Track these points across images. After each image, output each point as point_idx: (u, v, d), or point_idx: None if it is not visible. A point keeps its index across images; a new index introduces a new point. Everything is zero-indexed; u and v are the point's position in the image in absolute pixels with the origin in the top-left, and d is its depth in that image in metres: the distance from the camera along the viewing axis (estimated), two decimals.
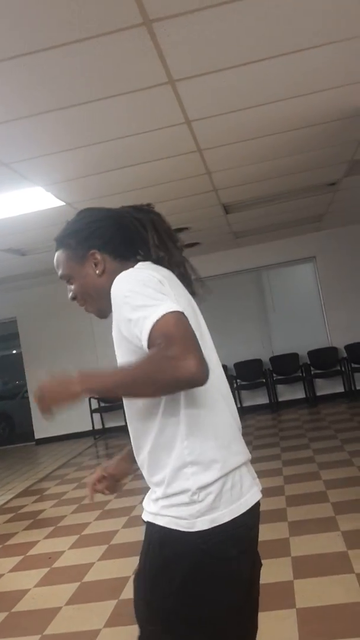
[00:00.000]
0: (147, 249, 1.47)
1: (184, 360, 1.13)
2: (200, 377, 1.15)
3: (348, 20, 2.68)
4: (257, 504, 1.41)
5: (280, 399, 8.88)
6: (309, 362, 8.77)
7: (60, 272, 1.54)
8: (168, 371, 1.14)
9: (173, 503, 1.30)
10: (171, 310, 1.20)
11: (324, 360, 8.73)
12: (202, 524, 1.27)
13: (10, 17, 2.20)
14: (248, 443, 6.62)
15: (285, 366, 8.82)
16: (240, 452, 1.41)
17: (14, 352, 11.12)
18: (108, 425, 9.24)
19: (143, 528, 1.38)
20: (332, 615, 2.61)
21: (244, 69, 2.98)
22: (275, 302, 9.19)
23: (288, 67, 3.04)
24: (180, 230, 6.81)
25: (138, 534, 4.12)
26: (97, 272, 1.46)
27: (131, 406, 1.42)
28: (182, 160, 4.33)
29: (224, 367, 8.91)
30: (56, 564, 3.88)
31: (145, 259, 1.47)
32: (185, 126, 3.64)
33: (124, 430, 7.64)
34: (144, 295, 1.25)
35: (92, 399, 9.08)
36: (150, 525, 1.35)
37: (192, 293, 1.51)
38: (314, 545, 3.43)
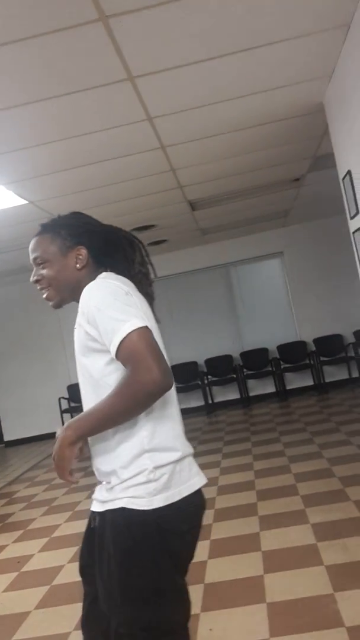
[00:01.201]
0: (126, 265, 1.62)
1: (151, 375, 1.31)
2: (167, 385, 1.35)
3: (305, 17, 2.70)
4: (201, 491, 1.54)
5: (251, 394, 8.94)
6: (278, 357, 8.84)
7: (35, 254, 1.63)
8: (140, 392, 1.33)
9: (130, 485, 1.42)
10: (137, 327, 1.35)
11: (293, 354, 8.81)
12: (158, 502, 1.40)
13: None
14: (219, 439, 6.66)
15: (255, 361, 8.88)
16: (188, 444, 1.56)
17: None
18: None
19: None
20: (302, 609, 2.63)
21: (203, 66, 2.97)
22: (244, 298, 9.23)
23: (247, 63, 3.05)
24: (147, 227, 6.79)
25: None
26: (78, 265, 1.58)
27: (88, 396, 1.55)
28: (146, 157, 4.31)
29: (194, 363, 8.94)
30: (25, 568, 3.83)
31: (118, 272, 1.59)
32: (147, 123, 3.62)
33: None
34: (114, 308, 1.39)
35: (62, 399, 9.00)
36: (109, 513, 1.44)
37: (150, 298, 1.70)
38: (284, 538, 3.46)
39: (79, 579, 1.66)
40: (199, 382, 8.87)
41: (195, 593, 2.93)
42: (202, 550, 3.48)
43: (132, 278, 1.60)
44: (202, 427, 7.74)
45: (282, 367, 8.78)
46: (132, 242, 1.66)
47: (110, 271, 1.57)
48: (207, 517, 4.01)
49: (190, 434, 7.29)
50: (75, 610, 2.96)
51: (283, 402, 8.38)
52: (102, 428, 1.42)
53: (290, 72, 3.29)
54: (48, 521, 4.76)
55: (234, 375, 8.85)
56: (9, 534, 4.68)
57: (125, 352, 1.35)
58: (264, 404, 8.53)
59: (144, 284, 1.64)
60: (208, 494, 4.73)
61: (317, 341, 8.75)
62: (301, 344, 8.84)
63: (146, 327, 1.37)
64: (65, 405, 9.05)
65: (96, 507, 1.49)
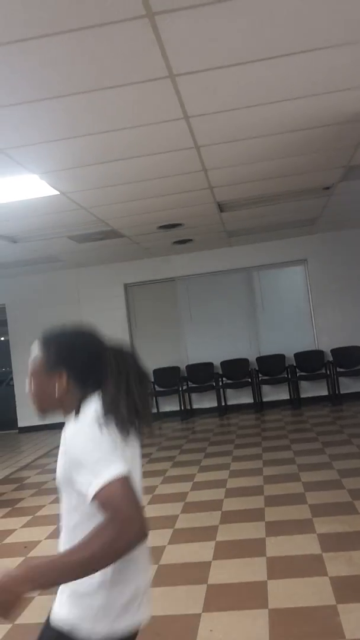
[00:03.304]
0: (96, 388, 1.51)
1: (127, 531, 1.25)
2: (142, 538, 1.29)
3: (351, 24, 2.68)
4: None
5: (264, 399, 8.91)
6: (294, 364, 8.80)
7: (30, 359, 1.62)
8: (117, 543, 1.25)
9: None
10: (116, 477, 1.29)
11: (310, 362, 8.77)
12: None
13: (12, 1, 2.18)
14: (230, 441, 6.66)
15: (271, 367, 8.85)
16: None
17: (1, 338, 11.06)
18: None
19: None
20: (304, 618, 2.62)
21: (245, 68, 2.97)
22: (264, 303, 9.21)
23: (290, 68, 3.04)
24: (174, 226, 6.80)
25: None
26: (56, 389, 1.52)
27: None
28: (179, 156, 4.32)
29: (210, 364, 8.94)
30: (31, 553, 3.88)
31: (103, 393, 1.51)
32: (184, 122, 3.63)
33: None
34: (97, 452, 1.34)
35: None
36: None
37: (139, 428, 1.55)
38: (289, 546, 3.45)
39: None
40: (214, 384, 8.87)
41: (198, 593, 2.95)
42: (207, 551, 3.49)
43: (117, 404, 1.50)
44: (213, 428, 7.74)
45: (297, 375, 8.74)
46: (120, 365, 1.52)
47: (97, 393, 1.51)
48: (214, 518, 4.04)
49: (202, 434, 7.34)
50: None
51: (296, 410, 8.34)
52: (68, 580, 1.35)
53: (332, 79, 3.27)
54: (56, 509, 4.78)
55: (249, 380, 8.83)
56: (18, 518, 4.73)
57: (102, 500, 1.29)
58: (277, 410, 8.50)
59: (137, 409, 1.52)
60: (216, 495, 4.77)
61: (334, 352, 8.69)
62: (319, 353, 8.79)
63: (127, 478, 1.31)
64: None
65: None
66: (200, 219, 6.65)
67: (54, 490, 5.39)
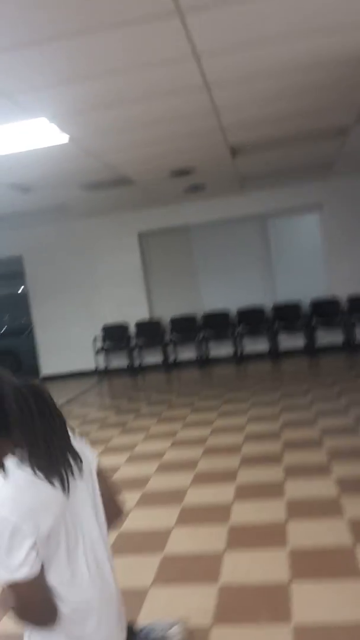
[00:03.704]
0: (12, 434, 1.44)
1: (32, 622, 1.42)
2: (43, 620, 1.43)
3: None
4: None
5: (280, 347, 8.94)
6: (310, 312, 8.77)
7: None
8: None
9: None
10: (12, 580, 1.34)
11: (326, 310, 8.72)
12: None
13: None
14: (247, 388, 6.73)
15: (287, 315, 8.83)
16: None
17: (20, 290, 11.14)
18: (112, 365, 9.37)
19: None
20: (323, 557, 2.72)
21: (257, 2, 2.83)
22: (279, 251, 9.10)
23: (305, 1, 2.90)
24: (186, 172, 6.68)
25: (141, 470, 4.25)
26: None
27: None
28: (190, 97, 4.19)
29: (226, 313, 8.93)
30: None
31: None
32: (194, 60, 3.50)
33: (127, 370, 7.81)
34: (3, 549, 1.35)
35: (96, 339, 9.17)
36: None
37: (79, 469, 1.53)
38: (307, 489, 3.54)
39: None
40: (230, 332, 8.91)
41: (219, 533, 3.06)
42: (227, 493, 3.60)
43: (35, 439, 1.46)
44: (231, 376, 7.84)
45: (313, 322, 8.73)
46: (16, 413, 1.44)
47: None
48: (233, 462, 4.15)
49: (220, 382, 7.43)
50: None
51: (312, 358, 8.38)
52: None
53: (351, 13, 3.12)
54: None
55: (265, 328, 8.85)
56: None
57: (10, 591, 1.38)
58: (293, 358, 8.54)
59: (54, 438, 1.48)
60: (235, 440, 4.85)
61: (350, 299, 8.62)
62: (334, 301, 8.73)
63: (20, 583, 1.36)
64: (100, 344, 9.24)
65: None
66: (213, 164, 6.51)
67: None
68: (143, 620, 2.33)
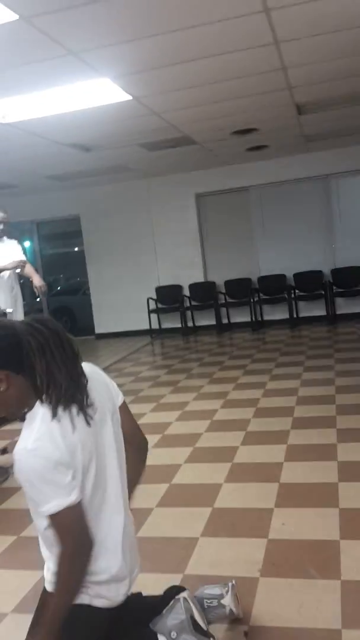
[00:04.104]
0: (33, 373, 1.53)
1: (73, 558, 1.50)
2: (88, 552, 1.52)
3: None
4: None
5: (338, 312, 8.79)
6: None
7: None
8: (72, 575, 1.53)
9: None
10: (60, 508, 1.45)
11: None
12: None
13: None
14: (302, 352, 6.67)
15: (347, 279, 8.64)
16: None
17: (76, 249, 11.31)
18: (164, 325, 9.47)
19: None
20: None
21: None
22: (341, 213, 8.84)
23: None
24: (249, 131, 6.54)
25: (192, 428, 4.32)
26: (1, 388, 1.53)
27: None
28: (257, 53, 4.08)
29: (283, 276, 8.81)
30: None
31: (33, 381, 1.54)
32: (263, 14, 3.39)
33: (179, 331, 7.87)
34: (40, 486, 1.46)
35: (150, 300, 9.27)
36: None
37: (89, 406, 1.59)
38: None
39: (164, 462, 1.79)
40: (286, 296, 8.81)
41: (270, 490, 3.11)
42: (278, 452, 3.63)
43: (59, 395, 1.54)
44: (284, 339, 7.79)
45: None
46: (33, 345, 1.53)
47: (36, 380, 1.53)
48: (285, 423, 4.16)
49: (273, 345, 7.40)
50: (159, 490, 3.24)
51: None
52: (61, 617, 1.52)
53: None
54: (134, 410, 5.07)
55: (322, 292, 8.70)
56: None
57: (53, 524, 1.49)
58: (351, 323, 8.39)
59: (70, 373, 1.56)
60: (288, 402, 4.85)
61: None
62: None
63: (71, 508, 1.46)
64: (153, 305, 9.33)
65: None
66: (277, 122, 6.34)
67: (131, 393, 5.68)
68: (192, 569, 2.43)
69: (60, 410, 1.51)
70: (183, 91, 4.78)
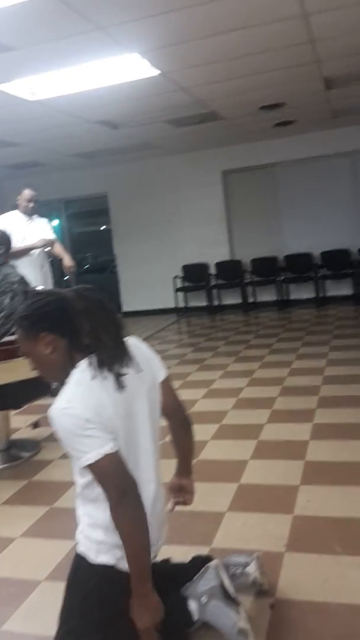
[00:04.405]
0: (77, 337, 1.62)
1: (122, 501, 1.53)
2: (134, 493, 1.54)
3: None
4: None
5: None
6: None
7: (21, 349, 1.72)
8: (127, 528, 1.54)
9: None
10: (99, 457, 1.51)
11: None
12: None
13: None
14: (328, 332, 6.61)
15: None
16: None
17: (102, 227, 11.35)
18: (190, 304, 9.49)
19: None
20: None
21: None
22: None
23: None
24: (276, 106, 6.44)
25: (218, 405, 4.34)
26: (48, 351, 1.63)
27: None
28: (286, 26, 4.01)
29: (309, 255, 8.72)
30: None
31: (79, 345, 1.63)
32: None
33: (205, 309, 7.88)
34: (75, 442, 1.53)
35: (177, 278, 9.28)
36: None
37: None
38: None
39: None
40: (312, 275, 8.73)
41: (296, 468, 3.13)
42: (304, 431, 3.65)
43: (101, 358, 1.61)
44: (311, 319, 7.74)
45: None
46: (78, 310, 1.62)
47: (82, 346, 1.62)
48: (311, 402, 4.17)
49: (299, 324, 7.37)
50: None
51: None
52: (144, 561, 1.57)
53: None
54: None
55: (350, 271, 8.59)
56: None
57: (94, 475, 1.55)
58: None
59: (112, 337, 1.65)
60: (314, 382, 4.83)
61: None
62: None
63: (107, 457, 1.51)
64: (179, 284, 9.35)
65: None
66: (305, 97, 6.23)
67: None
68: (219, 543, 2.48)
69: (99, 372, 1.58)
70: (211, 65, 4.73)
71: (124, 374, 1.62)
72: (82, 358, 1.62)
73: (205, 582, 1.82)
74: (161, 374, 1.82)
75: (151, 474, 1.71)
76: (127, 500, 1.53)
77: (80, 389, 1.56)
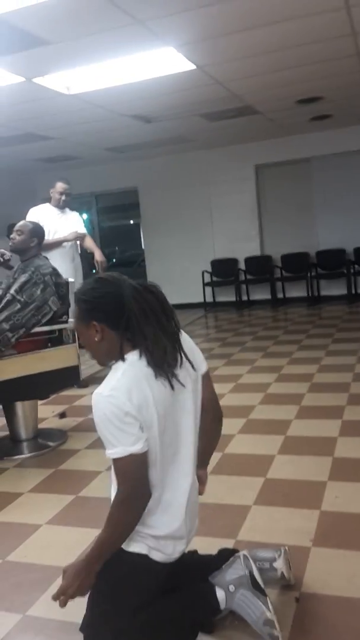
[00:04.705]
0: (129, 332, 1.66)
1: (127, 503, 1.60)
2: (142, 502, 1.61)
3: None
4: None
5: None
6: None
7: (74, 323, 1.81)
8: (126, 524, 1.63)
9: None
10: (124, 455, 1.55)
11: None
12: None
13: None
14: (359, 329, 6.32)
15: None
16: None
17: (131, 222, 11.40)
18: (219, 299, 9.48)
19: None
20: None
21: None
22: None
23: None
24: (313, 99, 6.37)
25: (246, 400, 4.34)
26: (96, 339, 1.68)
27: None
28: (326, 18, 3.96)
29: (342, 250, 8.60)
30: None
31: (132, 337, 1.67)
32: None
33: (233, 304, 7.86)
34: (108, 431, 1.57)
35: (205, 273, 9.27)
36: None
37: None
38: None
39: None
40: (344, 271, 8.63)
41: (324, 464, 3.11)
42: (332, 427, 3.62)
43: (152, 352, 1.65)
44: (342, 315, 7.66)
45: None
46: (134, 307, 1.65)
47: (132, 338, 1.66)
48: (340, 399, 4.13)
49: (330, 321, 7.30)
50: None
51: None
52: (110, 552, 1.66)
53: None
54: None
55: None
56: None
57: (115, 470, 1.61)
58: None
59: (168, 331, 1.70)
60: (344, 378, 4.77)
61: None
62: None
63: (133, 456, 1.56)
64: (207, 278, 9.34)
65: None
66: (344, 91, 6.15)
67: None
68: (244, 535, 2.48)
69: (149, 369, 1.62)
70: (247, 59, 4.70)
71: (176, 374, 1.66)
72: (132, 349, 1.65)
73: (233, 571, 1.83)
74: (203, 367, 1.83)
75: (189, 467, 1.73)
76: (133, 504, 1.60)
77: (127, 381, 1.59)
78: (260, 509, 2.72)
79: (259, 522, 2.60)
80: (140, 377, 1.60)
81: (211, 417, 1.88)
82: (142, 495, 1.61)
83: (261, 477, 3.04)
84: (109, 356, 1.70)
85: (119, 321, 1.64)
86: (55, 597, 1.69)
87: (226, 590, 1.79)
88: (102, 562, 1.65)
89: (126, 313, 1.64)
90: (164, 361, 1.64)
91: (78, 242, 5.33)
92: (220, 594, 1.80)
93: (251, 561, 1.87)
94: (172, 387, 1.64)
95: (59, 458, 3.59)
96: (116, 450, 1.56)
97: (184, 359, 1.71)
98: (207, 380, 1.86)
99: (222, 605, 1.79)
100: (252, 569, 1.83)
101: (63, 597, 1.67)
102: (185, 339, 1.78)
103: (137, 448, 1.56)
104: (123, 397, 1.56)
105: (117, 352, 1.66)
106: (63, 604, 1.68)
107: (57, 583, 2.24)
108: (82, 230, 5.38)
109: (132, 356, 1.64)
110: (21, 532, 2.71)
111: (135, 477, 1.59)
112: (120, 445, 1.55)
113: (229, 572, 1.84)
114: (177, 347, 1.70)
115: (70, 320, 3.57)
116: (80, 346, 1.83)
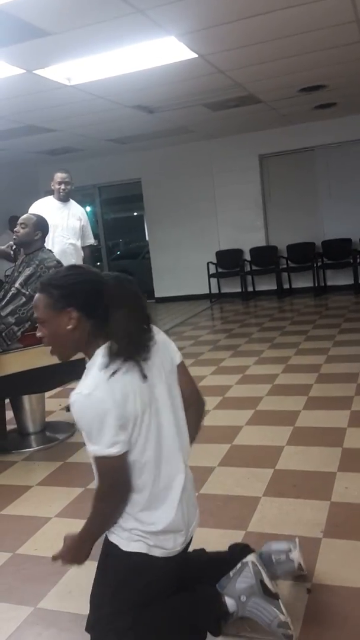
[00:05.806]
0: (104, 322, 1.62)
1: (104, 498, 1.63)
2: (119, 499, 1.63)
3: None
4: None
5: None
6: None
7: (36, 314, 1.69)
8: (106, 517, 1.67)
9: None
10: (100, 454, 1.55)
11: None
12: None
13: None
14: None
15: None
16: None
17: (135, 213, 11.36)
18: (224, 290, 9.44)
19: None
20: None
21: None
22: None
23: None
24: (317, 88, 6.30)
25: (253, 391, 4.31)
26: (69, 327, 1.61)
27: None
28: (329, 4, 3.89)
29: (348, 240, 8.54)
30: None
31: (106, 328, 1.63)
32: None
33: (238, 296, 7.83)
34: (89, 430, 1.55)
35: (210, 264, 9.23)
36: None
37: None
38: None
39: (224, 423, 1.81)
40: (351, 261, 8.57)
41: (333, 455, 3.10)
42: (342, 418, 3.60)
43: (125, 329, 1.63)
44: (348, 305, 7.62)
45: None
46: (113, 298, 1.63)
47: (106, 329, 1.62)
48: (348, 390, 4.11)
49: (336, 311, 7.26)
50: (221, 450, 3.28)
51: None
52: (99, 534, 1.72)
53: None
54: (193, 372, 5.12)
55: None
56: None
57: (94, 464, 1.61)
58: None
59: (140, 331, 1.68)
60: (351, 369, 4.75)
61: None
62: None
63: (114, 458, 1.55)
64: (213, 270, 9.30)
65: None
66: (348, 78, 6.07)
67: (191, 356, 5.72)
68: (254, 527, 2.47)
69: (120, 361, 1.58)
70: (249, 47, 4.64)
71: (145, 364, 1.63)
72: (104, 342, 1.61)
73: (243, 579, 1.80)
74: (177, 358, 1.81)
75: (179, 461, 1.71)
76: (111, 499, 1.62)
77: (103, 376, 1.55)
78: (270, 500, 2.71)
79: (268, 513, 2.59)
80: (118, 371, 1.57)
81: (193, 407, 1.84)
82: (121, 491, 1.62)
83: (270, 468, 3.03)
84: (76, 348, 1.66)
85: (96, 309, 1.61)
86: (54, 559, 1.75)
87: (237, 600, 1.77)
88: (93, 542, 1.70)
89: (104, 300, 1.60)
90: (138, 353, 1.62)
91: (78, 243, 5.24)
92: (230, 602, 1.77)
93: (260, 567, 1.84)
94: (144, 377, 1.60)
95: (67, 451, 3.59)
96: (94, 448, 1.55)
97: (157, 351, 1.69)
98: (183, 371, 1.82)
99: (232, 611, 1.77)
100: (262, 578, 1.81)
101: (61, 560, 1.75)
102: (157, 331, 1.76)
103: (113, 451, 1.54)
104: (102, 395, 1.53)
105: (84, 343, 1.63)
106: (62, 564, 1.78)
107: (68, 576, 2.25)
108: (90, 239, 5.37)
109: (105, 349, 1.60)
110: (31, 525, 2.71)
111: (113, 477, 1.59)
112: (98, 444, 1.54)
113: (238, 581, 1.80)
114: (149, 338, 1.68)
115: None
116: (39, 341, 1.75)
